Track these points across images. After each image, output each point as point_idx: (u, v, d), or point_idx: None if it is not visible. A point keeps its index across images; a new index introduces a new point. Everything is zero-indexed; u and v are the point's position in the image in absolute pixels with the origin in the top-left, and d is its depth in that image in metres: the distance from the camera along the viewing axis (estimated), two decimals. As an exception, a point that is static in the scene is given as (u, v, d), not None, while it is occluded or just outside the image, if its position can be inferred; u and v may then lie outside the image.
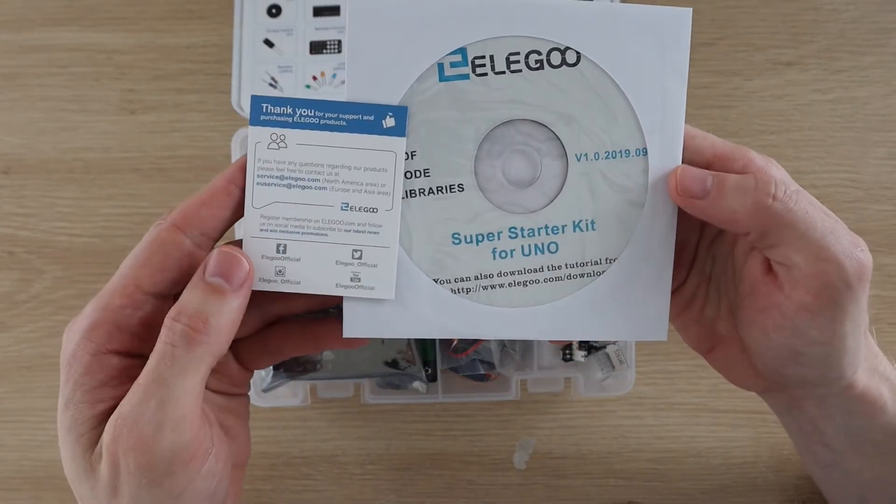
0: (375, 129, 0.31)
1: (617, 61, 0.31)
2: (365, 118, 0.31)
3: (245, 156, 0.31)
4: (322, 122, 0.31)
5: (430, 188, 0.32)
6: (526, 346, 0.47)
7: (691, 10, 0.32)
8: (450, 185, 0.32)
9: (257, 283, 0.31)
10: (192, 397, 0.28)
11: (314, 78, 0.51)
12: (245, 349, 0.34)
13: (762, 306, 0.32)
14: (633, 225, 0.32)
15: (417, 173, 0.32)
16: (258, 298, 0.32)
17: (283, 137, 0.31)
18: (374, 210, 0.31)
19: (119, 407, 0.28)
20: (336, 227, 0.31)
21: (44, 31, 0.55)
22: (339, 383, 0.48)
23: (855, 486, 0.39)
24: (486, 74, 0.31)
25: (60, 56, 0.55)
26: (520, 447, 0.50)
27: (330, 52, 0.51)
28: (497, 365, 0.46)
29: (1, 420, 0.51)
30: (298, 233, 0.31)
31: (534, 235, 0.32)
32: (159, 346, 0.28)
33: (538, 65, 0.31)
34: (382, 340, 0.45)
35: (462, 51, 0.31)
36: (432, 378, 0.46)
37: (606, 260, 0.32)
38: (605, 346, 0.46)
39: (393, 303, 0.32)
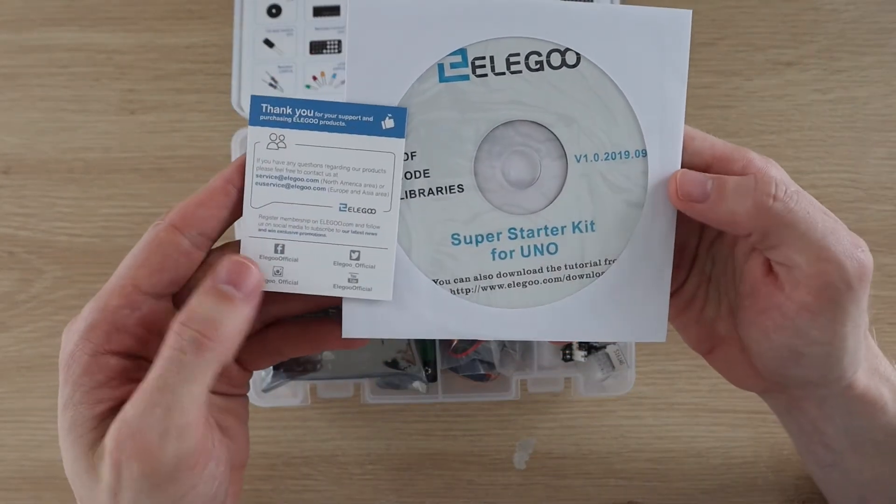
0: (374, 130, 0.31)
1: (617, 63, 0.31)
2: (364, 119, 0.31)
3: (243, 156, 0.31)
4: (321, 122, 0.31)
5: (430, 188, 0.32)
6: (526, 347, 0.47)
7: (691, 11, 0.31)
8: (449, 186, 0.32)
9: None
10: (198, 405, 0.28)
11: (314, 78, 0.51)
12: (244, 350, 0.34)
13: (763, 307, 0.32)
14: (632, 226, 0.32)
15: (417, 174, 0.32)
16: (257, 299, 0.32)
17: (282, 138, 0.31)
18: (372, 211, 0.31)
19: (122, 412, 0.28)
20: (334, 227, 0.31)
21: (44, 31, 0.55)
22: (339, 383, 0.48)
23: (855, 486, 0.39)
24: (486, 75, 0.31)
25: (60, 56, 0.55)
26: (520, 447, 0.50)
27: (330, 52, 0.51)
28: (497, 365, 0.46)
29: (1, 420, 0.51)
30: (297, 233, 0.31)
31: (533, 236, 0.32)
32: (166, 351, 0.28)
33: (538, 66, 0.31)
34: (382, 341, 0.45)
35: (462, 51, 0.31)
36: (432, 378, 0.46)
37: (606, 261, 0.32)
38: (605, 347, 0.46)
39: (392, 303, 0.31)
